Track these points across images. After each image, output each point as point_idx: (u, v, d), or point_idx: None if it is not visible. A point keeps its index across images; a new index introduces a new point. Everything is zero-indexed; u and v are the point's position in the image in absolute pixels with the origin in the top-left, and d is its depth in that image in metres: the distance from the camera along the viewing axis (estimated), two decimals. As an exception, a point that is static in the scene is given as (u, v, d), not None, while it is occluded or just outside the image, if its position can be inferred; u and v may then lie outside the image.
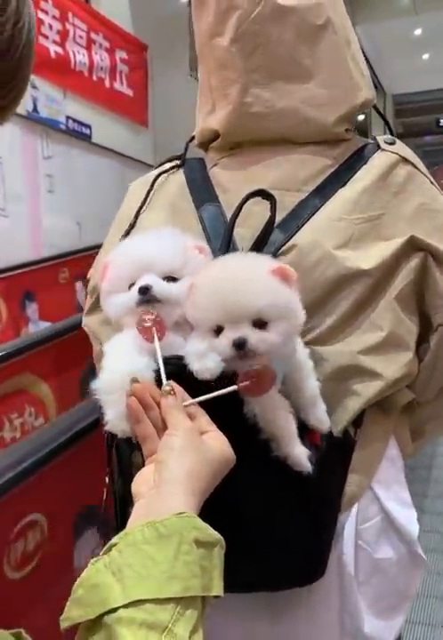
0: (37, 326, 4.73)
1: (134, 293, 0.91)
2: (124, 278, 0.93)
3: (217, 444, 0.80)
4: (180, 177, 1.25)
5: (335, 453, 1.06)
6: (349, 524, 1.10)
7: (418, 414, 1.21)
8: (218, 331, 0.87)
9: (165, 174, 1.27)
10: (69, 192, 5.47)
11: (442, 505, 3.91)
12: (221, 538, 0.71)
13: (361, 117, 16.91)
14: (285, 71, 1.13)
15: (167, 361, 0.87)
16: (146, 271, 0.91)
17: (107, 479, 1.04)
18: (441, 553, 3.38)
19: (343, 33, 1.16)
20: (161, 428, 0.82)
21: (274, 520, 0.96)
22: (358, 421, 1.10)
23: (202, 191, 1.19)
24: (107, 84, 6.29)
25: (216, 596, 0.68)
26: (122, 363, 0.89)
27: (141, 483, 0.78)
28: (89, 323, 1.28)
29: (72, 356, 3.19)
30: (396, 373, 1.08)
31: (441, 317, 1.10)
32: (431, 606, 3.00)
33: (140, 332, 0.88)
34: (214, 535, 0.70)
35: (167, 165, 1.29)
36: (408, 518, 1.15)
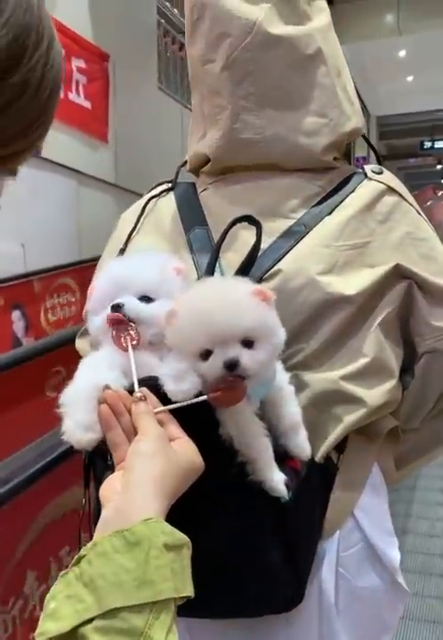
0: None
1: (106, 312, 0.93)
2: (104, 299, 0.95)
3: (186, 451, 0.82)
4: (170, 201, 1.28)
5: (317, 480, 1.07)
6: (330, 551, 1.11)
7: (403, 442, 1.22)
8: (205, 354, 0.87)
9: (156, 199, 1.29)
10: (13, 211, 5.00)
11: (425, 526, 3.94)
12: (188, 539, 0.72)
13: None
14: (275, 99, 1.16)
15: (140, 381, 0.88)
16: (123, 291, 0.93)
17: (84, 500, 1.04)
18: (424, 574, 3.42)
19: (334, 62, 1.20)
20: (132, 434, 0.83)
21: (251, 546, 0.96)
22: (341, 447, 1.12)
23: (192, 215, 1.22)
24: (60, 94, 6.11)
25: (187, 597, 0.70)
26: (89, 375, 0.90)
27: (109, 488, 0.79)
28: (80, 345, 1.31)
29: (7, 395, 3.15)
30: (379, 400, 1.10)
31: (426, 345, 1.13)
32: (414, 628, 2.99)
33: (115, 340, 0.90)
34: (182, 538, 0.71)
35: (158, 189, 1.32)
36: (390, 547, 1.16)
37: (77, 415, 0.86)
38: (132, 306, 0.92)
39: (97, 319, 0.96)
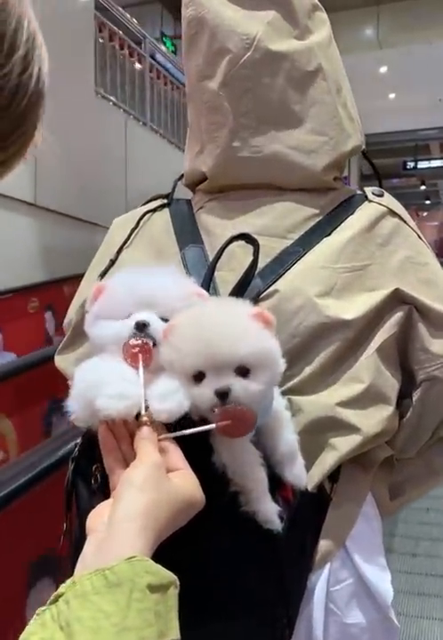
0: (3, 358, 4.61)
1: (129, 325, 0.90)
2: (122, 308, 0.92)
3: (184, 484, 0.79)
4: (165, 216, 1.28)
5: (309, 510, 1.06)
6: (320, 585, 1.10)
7: (397, 472, 1.23)
8: (198, 377, 0.86)
9: (151, 213, 1.30)
10: None
11: (410, 545, 4.00)
12: (175, 577, 0.69)
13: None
14: (274, 117, 1.17)
15: None
16: (146, 307, 0.91)
17: (65, 525, 1.02)
18: (409, 594, 3.44)
19: (334, 78, 1.21)
20: (132, 460, 0.80)
21: (240, 578, 0.94)
22: (334, 476, 1.12)
23: (187, 232, 1.23)
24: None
25: None
26: (108, 363, 0.89)
27: (97, 517, 0.77)
28: (60, 362, 1.30)
29: (36, 391, 3.19)
30: (375, 428, 1.10)
31: (424, 373, 1.13)
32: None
33: (127, 357, 0.87)
34: (168, 576, 0.69)
35: (154, 204, 1.32)
36: (383, 582, 1.15)
37: (109, 388, 0.83)
38: (158, 327, 0.90)
39: (109, 325, 0.93)
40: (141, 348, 0.87)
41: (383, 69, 14.55)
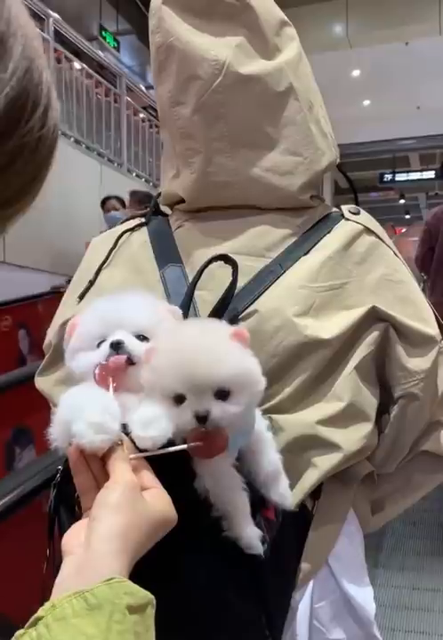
0: None
1: (105, 349, 0.95)
2: (94, 335, 0.98)
3: (157, 503, 0.83)
4: (143, 235, 1.35)
5: (291, 529, 1.11)
6: (303, 602, 1.17)
7: (377, 487, 1.30)
8: (178, 399, 0.91)
9: (129, 232, 1.36)
10: None
11: (397, 559, 4.14)
12: (152, 596, 0.73)
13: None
14: (248, 139, 1.24)
15: None
16: (115, 329, 0.97)
17: (48, 551, 1.05)
18: (396, 608, 3.59)
19: (306, 97, 1.28)
20: (104, 480, 0.84)
21: (222, 600, 0.99)
22: (315, 494, 1.18)
23: (166, 251, 1.29)
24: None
25: None
26: (90, 389, 0.93)
27: (73, 538, 0.80)
28: (41, 383, 1.36)
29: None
30: (355, 445, 1.17)
31: (401, 389, 1.20)
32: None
33: (97, 378, 0.93)
34: (145, 596, 0.72)
35: (132, 223, 1.38)
36: (365, 598, 1.23)
37: (89, 417, 0.86)
38: (133, 344, 0.95)
39: (87, 356, 0.98)
40: (110, 370, 0.92)
41: (356, 73, 14.71)
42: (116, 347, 0.94)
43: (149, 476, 0.86)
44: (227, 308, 1.13)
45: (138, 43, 14.17)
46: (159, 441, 0.88)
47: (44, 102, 0.57)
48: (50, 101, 0.59)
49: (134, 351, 0.94)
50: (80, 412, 0.87)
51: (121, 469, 0.83)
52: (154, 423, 0.89)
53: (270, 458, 1.03)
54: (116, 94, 10.06)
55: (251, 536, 0.96)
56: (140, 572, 0.75)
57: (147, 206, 1.44)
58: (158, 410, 0.91)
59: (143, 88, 11.88)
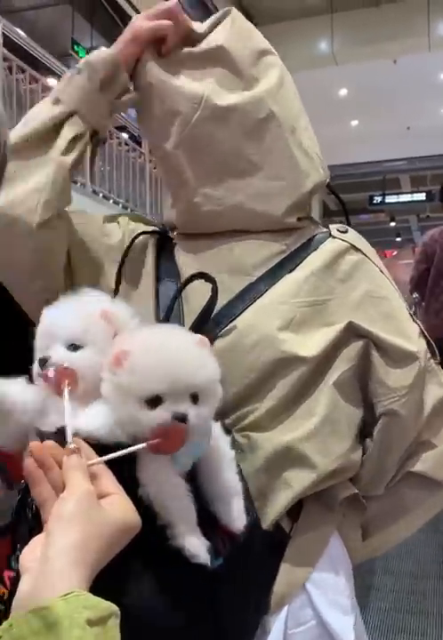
0: None
1: (36, 367, 1.01)
2: (40, 348, 1.03)
3: (117, 510, 0.82)
4: (152, 245, 1.41)
5: (261, 548, 1.11)
6: (277, 626, 1.16)
7: (367, 511, 1.29)
8: (154, 401, 0.92)
9: (145, 235, 1.40)
10: None
11: (390, 581, 4.16)
12: (115, 607, 0.72)
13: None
14: (231, 168, 1.30)
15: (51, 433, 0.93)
16: (50, 339, 1.02)
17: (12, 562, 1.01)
18: (390, 632, 3.59)
19: (287, 121, 1.32)
20: (62, 489, 0.83)
21: (173, 615, 0.98)
22: (294, 515, 1.19)
23: (165, 266, 1.37)
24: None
25: None
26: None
27: (30, 553, 0.79)
28: None
29: None
30: (331, 465, 1.17)
31: (382, 407, 1.21)
32: None
33: (45, 382, 0.98)
34: (107, 608, 0.72)
35: (149, 228, 1.44)
36: (344, 627, 1.20)
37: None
38: (59, 357, 0.99)
39: (34, 368, 1.03)
40: (62, 374, 0.97)
41: (343, 92, 14.84)
42: (43, 363, 1.00)
43: (108, 482, 0.86)
44: (205, 324, 1.17)
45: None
46: (104, 433, 0.92)
47: None
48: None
49: (64, 363, 0.99)
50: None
51: (76, 478, 0.83)
52: (99, 418, 0.94)
53: (226, 476, 1.04)
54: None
55: (195, 545, 0.95)
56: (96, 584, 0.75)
57: None
58: (104, 408, 0.96)
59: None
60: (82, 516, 0.79)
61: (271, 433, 1.18)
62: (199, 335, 1.01)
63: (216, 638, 1.02)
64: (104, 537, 0.79)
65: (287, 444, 1.17)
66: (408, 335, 1.25)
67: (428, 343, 1.27)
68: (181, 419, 0.91)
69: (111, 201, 10.36)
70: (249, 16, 13.98)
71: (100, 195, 10.05)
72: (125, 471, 0.91)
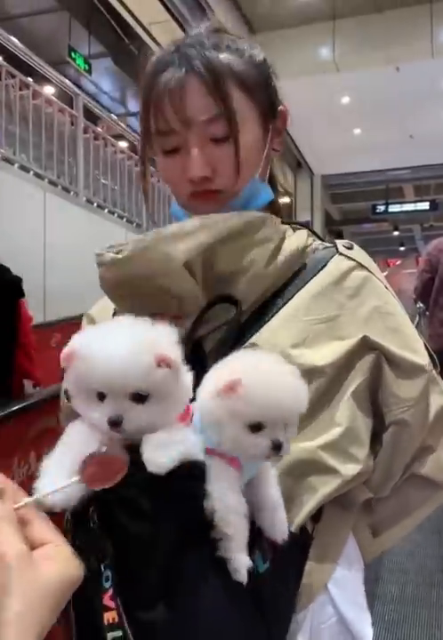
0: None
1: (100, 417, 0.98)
2: (87, 389, 0.98)
3: (55, 565, 0.78)
4: None
5: (293, 550, 1.17)
6: (303, 625, 1.24)
7: (374, 512, 1.39)
8: (256, 427, 1.00)
9: None
10: None
11: (396, 589, 4.30)
12: None
13: (287, 200, 17.44)
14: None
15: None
16: (109, 388, 0.97)
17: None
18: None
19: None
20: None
21: (226, 621, 1.05)
22: (315, 517, 1.26)
23: None
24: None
25: None
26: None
27: None
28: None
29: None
30: (353, 470, 1.24)
31: (392, 416, 1.28)
32: None
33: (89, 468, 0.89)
34: None
35: None
36: (364, 623, 1.31)
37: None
38: (133, 419, 0.96)
39: (78, 404, 0.99)
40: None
41: (345, 100, 14.82)
42: (114, 424, 0.96)
43: (40, 528, 0.81)
44: (237, 343, 1.25)
45: (113, 66, 14.20)
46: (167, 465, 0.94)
47: None
48: None
49: (134, 428, 0.98)
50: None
51: (4, 535, 0.77)
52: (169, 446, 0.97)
53: (270, 492, 1.11)
54: (73, 116, 9.44)
55: (240, 561, 1.02)
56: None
57: None
58: (180, 435, 1.00)
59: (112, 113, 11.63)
60: (17, 585, 0.76)
61: (295, 442, 1.19)
62: (292, 366, 1.07)
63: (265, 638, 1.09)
64: (45, 600, 0.77)
65: (312, 452, 1.24)
66: (416, 349, 1.32)
67: (429, 354, 1.35)
68: (277, 446, 0.99)
69: (106, 210, 10.10)
70: (249, 23, 14.01)
71: (95, 204, 9.75)
72: (190, 488, 1.00)
